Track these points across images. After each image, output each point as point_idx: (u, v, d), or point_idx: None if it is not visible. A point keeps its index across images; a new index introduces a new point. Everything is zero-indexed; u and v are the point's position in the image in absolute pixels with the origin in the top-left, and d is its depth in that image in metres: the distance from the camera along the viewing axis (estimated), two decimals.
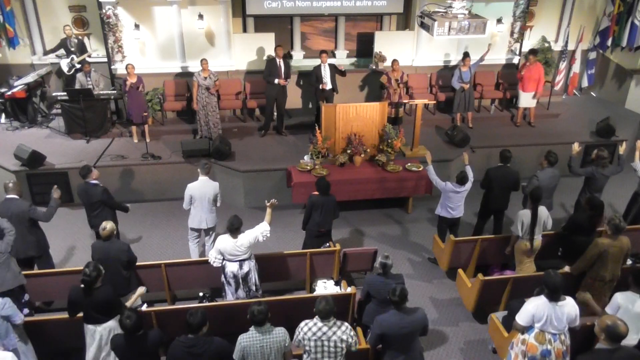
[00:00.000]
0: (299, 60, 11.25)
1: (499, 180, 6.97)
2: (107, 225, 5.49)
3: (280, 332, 4.35)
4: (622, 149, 7.18)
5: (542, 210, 6.11)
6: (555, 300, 4.49)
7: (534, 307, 4.55)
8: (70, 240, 7.70)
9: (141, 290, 5.42)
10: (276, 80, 9.33)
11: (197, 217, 6.68)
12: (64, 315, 5.11)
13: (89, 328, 4.92)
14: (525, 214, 6.06)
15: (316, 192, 6.56)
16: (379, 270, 5.19)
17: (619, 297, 4.79)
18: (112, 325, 4.89)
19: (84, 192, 6.43)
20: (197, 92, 9.11)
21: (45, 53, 10.30)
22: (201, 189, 6.55)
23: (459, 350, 5.91)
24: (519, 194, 7.17)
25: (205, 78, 9.00)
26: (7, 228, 5.45)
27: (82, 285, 4.73)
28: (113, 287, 5.01)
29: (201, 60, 9.06)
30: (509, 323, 5.26)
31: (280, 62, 9.36)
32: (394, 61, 9.68)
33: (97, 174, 6.47)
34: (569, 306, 4.53)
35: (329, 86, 9.50)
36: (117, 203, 6.64)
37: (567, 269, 5.84)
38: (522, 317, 4.64)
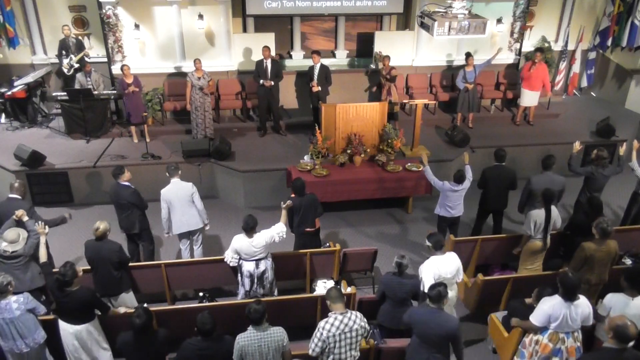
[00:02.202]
0: (299, 60, 11.25)
1: (495, 180, 6.97)
2: (101, 225, 5.50)
3: (278, 331, 4.35)
4: (622, 149, 7.18)
5: (553, 209, 6.13)
6: (571, 301, 4.50)
7: (550, 307, 4.54)
8: (69, 241, 7.69)
9: None
10: (261, 81, 9.30)
11: (179, 221, 6.57)
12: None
13: (62, 325, 4.97)
14: (538, 214, 6.06)
15: (293, 195, 6.48)
16: (395, 270, 5.15)
17: (611, 299, 4.76)
18: (82, 329, 4.93)
19: (115, 193, 6.44)
20: (191, 93, 9.10)
21: (58, 57, 10.14)
22: (175, 191, 6.47)
23: None
24: (517, 193, 7.17)
25: (199, 78, 8.98)
26: (33, 231, 5.46)
27: (57, 284, 4.79)
28: (92, 291, 5.02)
29: (194, 60, 9.04)
30: (509, 323, 5.26)
31: (267, 63, 9.32)
32: (385, 57, 9.66)
33: (128, 176, 6.46)
34: (583, 305, 4.55)
35: (317, 87, 9.44)
36: (145, 205, 6.60)
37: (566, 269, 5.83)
38: (537, 318, 4.63)
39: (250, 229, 5.52)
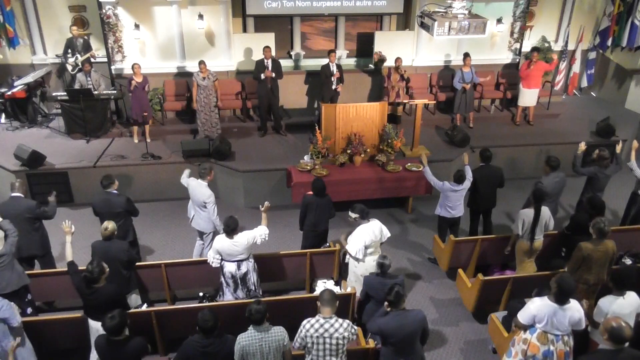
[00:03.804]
0: (300, 60, 11.26)
1: (483, 180, 6.99)
2: (109, 225, 5.50)
3: (279, 331, 4.36)
4: (618, 147, 7.22)
5: (545, 210, 6.10)
6: (562, 303, 4.46)
7: (536, 308, 4.53)
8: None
9: None
10: (262, 75, 9.29)
11: (192, 217, 6.69)
12: (65, 315, 5.12)
13: (92, 323, 4.95)
14: (526, 214, 6.06)
15: (310, 192, 6.52)
16: (377, 270, 5.19)
17: (604, 304, 4.75)
18: None
19: (105, 203, 6.28)
20: (197, 93, 9.13)
21: (61, 56, 10.12)
22: (193, 189, 6.54)
23: (459, 350, 5.91)
24: (515, 191, 7.20)
25: (204, 79, 9.01)
26: (10, 229, 5.42)
27: (85, 282, 4.77)
28: (117, 287, 5.04)
29: (199, 63, 9.06)
30: (509, 323, 5.26)
31: (268, 63, 9.34)
32: (397, 59, 9.67)
33: (117, 184, 6.42)
34: (573, 310, 4.51)
35: (335, 84, 9.48)
36: (138, 211, 6.57)
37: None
38: (523, 316, 4.63)
39: (230, 231, 5.51)
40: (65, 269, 5.25)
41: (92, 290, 4.80)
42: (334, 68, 9.52)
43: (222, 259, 5.68)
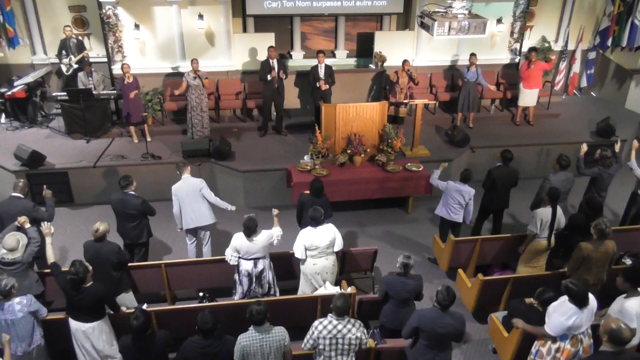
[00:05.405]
0: (299, 60, 11.25)
1: (502, 179, 7.00)
2: (101, 226, 5.52)
3: (279, 331, 4.36)
4: (617, 146, 7.25)
5: (558, 209, 6.10)
6: (584, 305, 4.49)
7: (568, 319, 4.50)
8: (69, 240, 7.68)
9: None
10: (269, 77, 9.26)
11: (188, 218, 6.62)
12: (62, 315, 5.12)
13: (74, 324, 4.95)
14: (544, 213, 6.03)
15: (307, 192, 6.51)
16: (400, 270, 5.12)
17: (632, 307, 4.66)
18: (95, 326, 4.92)
19: (121, 202, 6.31)
20: (188, 93, 9.10)
21: (57, 56, 10.14)
22: (185, 187, 6.53)
23: (459, 350, 5.91)
24: (516, 191, 7.20)
25: (195, 78, 8.99)
26: (34, 238, 5.45)
27: (71, 284, 4.78)
28: (105, 287, 5.06)
29: (191, 61, 9.04)
30: (509, 323, 5.26)
31: (274, 63, 9.33)
32: (405, 61, 9.65)
33: (135, 186, 6.42)
34: (592, 303, 4.55)
35: (326, 85, 9.46)
36: (154, 211, 6.56)
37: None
38: (554, 329, 4.57)
39: (252, 233, 5.51)
40: (64, 269, 5.24)
41: (80, 290, 4.80)
42: (322, 69, 9.44)
43: (239, 257, 5.69)
